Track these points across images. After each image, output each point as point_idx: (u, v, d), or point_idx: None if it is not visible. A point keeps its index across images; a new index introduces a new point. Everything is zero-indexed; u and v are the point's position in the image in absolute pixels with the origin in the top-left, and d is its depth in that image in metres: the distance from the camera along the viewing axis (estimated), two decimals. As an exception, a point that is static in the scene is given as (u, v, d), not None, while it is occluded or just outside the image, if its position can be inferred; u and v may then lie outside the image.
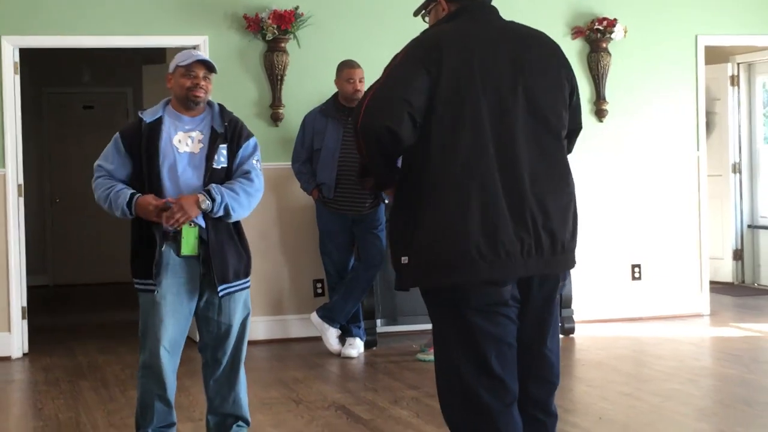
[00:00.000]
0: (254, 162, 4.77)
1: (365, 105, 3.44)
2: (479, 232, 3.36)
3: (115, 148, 4.70)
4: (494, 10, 3.68)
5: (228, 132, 4.72)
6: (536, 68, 3.55)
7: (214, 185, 4.62)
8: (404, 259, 3.50)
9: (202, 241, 4.64)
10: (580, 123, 3.77)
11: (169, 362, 4.68)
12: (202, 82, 4.70)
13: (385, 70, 3.50)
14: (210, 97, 7.90)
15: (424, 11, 3.77)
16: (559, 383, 3.69)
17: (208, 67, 4.75)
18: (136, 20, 7.97)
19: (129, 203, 4.58)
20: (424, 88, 3.40)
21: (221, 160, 4.69)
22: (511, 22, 3.68)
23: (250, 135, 4.82)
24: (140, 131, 4.65)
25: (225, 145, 4.71)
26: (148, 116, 4.69)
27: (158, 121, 4.68)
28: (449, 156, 3.41)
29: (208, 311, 4.74)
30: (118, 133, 4.73)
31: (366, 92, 3.51)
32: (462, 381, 3.46)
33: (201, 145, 4.69)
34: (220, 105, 4.85)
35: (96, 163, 4.75)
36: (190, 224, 4.60)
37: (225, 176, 4.69)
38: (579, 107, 3.76)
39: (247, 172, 4.73)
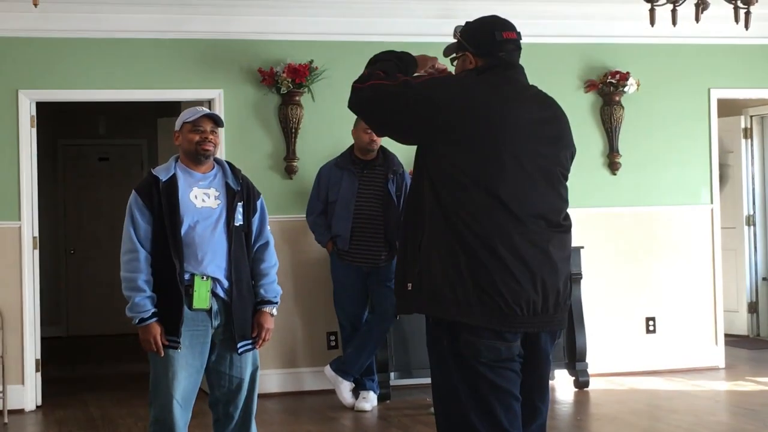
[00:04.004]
0: (269, 229, 4.93)
1: (373, 84, 3.68)
2: (500, 285, 3.40)
3: (136, 206, 4.68)
4: (521, 70, 3.71)
5: (243, 190, 4.80)
6: (552, 135, 3.61)
7: (266, 288, 4.82)
8: (409, 285, 3.55)
9: (214, 294, 4.66)
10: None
11: (182, 416, 4.66)
12: (210, 136, 4.74)
13: (411, 77, 3.64)
14: (222, 151, 7.99)
15: (454, 55, 3.80)
16: None
17: (215, 121, 4.81)
18: (151, 74, 8.04)
19: (143, 319, 4.59)
20: (437, 121, 3.50)
21: (239, 218, 4.74)
22: (535, 87, 3.73)
23: (258, 194, 4.92)
24: (158, 189, 4.67)
25: (241, 203, 4.77)
26: (162, 174, 4.71)
27: (173, 178, 4.71)
28: (470, 210, 3.44)
29: (220, 366, 4.73)
30: (134, 190, 4.74)
31: (379, 77, 3.66)
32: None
33: (218, 201, 4.72)
34: (228, 162, 4.94)
35: (125, 246, 4.69)
36: (203, 277, 4.62)
37: (244, 234, 4.77)
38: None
39: (267, 243, 4.88)
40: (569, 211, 3.68)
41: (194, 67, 8.09)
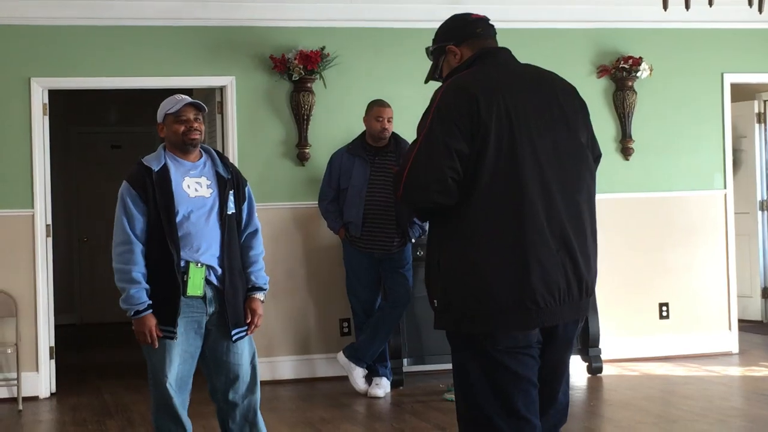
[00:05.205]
0: (257, 217, 4.93)
1: (406, 176, 3.44)
2: (525, 280, 3.37)
3: (129, 197, 4.65)
4: (509, 53, 3.69)
5: (233, 179, 4.80)
6: (561, 113, 3.56)
7: (256, 275, 4.81)
8: (435, 302, 3.52)
9: (208, 282, 4.66)
10: (599, 151, 3.78)
11: (179, 400, 4.68)
12: (195, 124, 4.71)
13: (420, 131, 3.48)
14: (234, 138, 7.98)
15: (436, 70, 3.77)
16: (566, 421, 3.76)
17: (198, 107, 4.77)
18: (163, 61, 8.04)
19: (138, 311, 4.58)
20: (463, 147, 3.39)
21: (231, 206, 4.74)
22: (529, 65, 3.69)
23: (245, 181, 4.92)
24: (151, 179, 4.64)
25: (232, 191, 4.76)
26: (153, 164, 4.68)
27: (165, 168, 4.68)
28: (494, 203, 3.39)
29: (217, 353, 4.73)
30: (125, 181, 4.69)
31: (406, 157, 3.49)
32: (488, 421, 3.46)
33: (211, 190, 4.71)
34: (216, 150, 4.94)
35: (118, 237, 4.70)
36: (197, 264, 4.61)
37: (236, 221, 4.76)
38: (594, 137, 3.76)
39: (256, 231, 4.88)
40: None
41: (206, 54, 8.08)
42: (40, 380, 7.80)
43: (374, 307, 7.67)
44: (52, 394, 7.87)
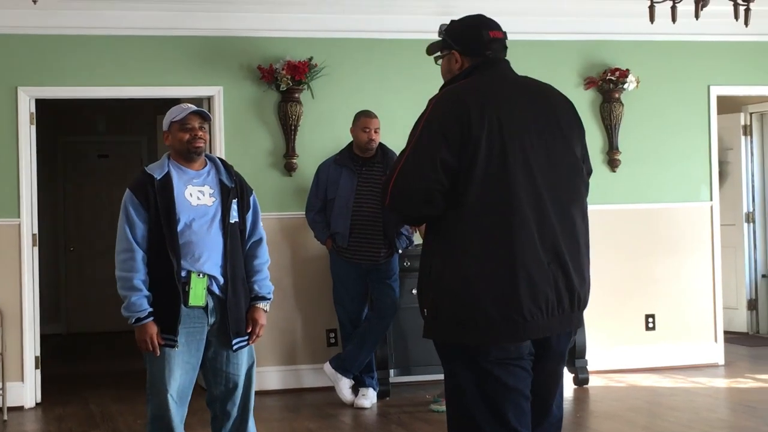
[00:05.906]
0: (262, 226, 4.94)
1: (392, 186, 3.44)
2: (512, 293, 3.36)
3: (131, 205, 4.66)
4: (508, 65, 3.69)
5: (237, 187, 4.81)
6: (557, 125, 3.56)
7: (260, 284, 4.84)
8: (425, 311, 3.52)
9: (210, 291, 4.66)
10: (591, 167, 3.78)
11: (177, 413, 4.67)
12: (200, 133, 4.74)
13: (410, 139, 3.49)
14: (221, 147, 7.99)
15: (439, 53, 3.76)
16: None
17: (203, 116, 4.80)
18: (151, 71, 8.03)
19: (139, 318, 4.58)
20: (450, 159, 3.39)
21: (234, 215, 4.75)
22: (526, 78, 3.68)
23: (251, 189, 4.93)
24: (153, 187, 4.66)
25: (236, 200, 4.78)
26: (156, 172, 4.71)
27: (168, 176, 4.70)
28: (484, 214, 3.39)
29: (216, 363, 4.74)
30: (128, 189, 4.72)
31: (393, 166, 3.49)
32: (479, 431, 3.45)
33: (213, 199, 4.72)
34: (221, 158, 4.95)
35: (120, 245, 4.67)
36: (199, 274, 4.62)
37: (239, 230, 4.77)
38: (587, 154, 3.76)
39: (261, 240, 4.90)
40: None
41: (194, 64, 8.08)
42: (26, 390, 7.76)
43: (361, 317, 7.67)
44: (37, 404, 7.84)
